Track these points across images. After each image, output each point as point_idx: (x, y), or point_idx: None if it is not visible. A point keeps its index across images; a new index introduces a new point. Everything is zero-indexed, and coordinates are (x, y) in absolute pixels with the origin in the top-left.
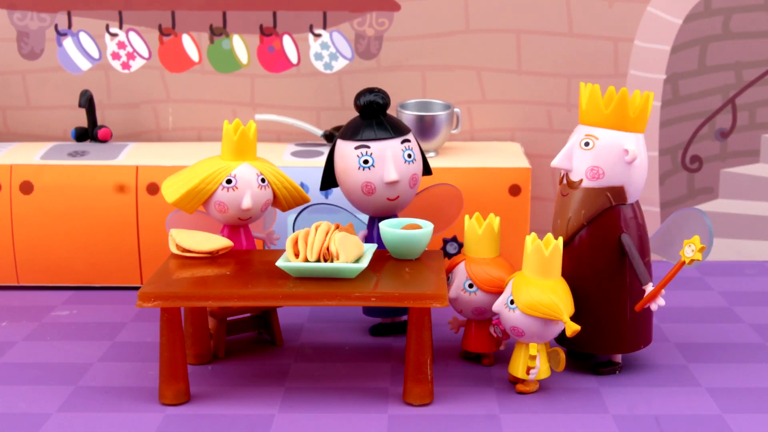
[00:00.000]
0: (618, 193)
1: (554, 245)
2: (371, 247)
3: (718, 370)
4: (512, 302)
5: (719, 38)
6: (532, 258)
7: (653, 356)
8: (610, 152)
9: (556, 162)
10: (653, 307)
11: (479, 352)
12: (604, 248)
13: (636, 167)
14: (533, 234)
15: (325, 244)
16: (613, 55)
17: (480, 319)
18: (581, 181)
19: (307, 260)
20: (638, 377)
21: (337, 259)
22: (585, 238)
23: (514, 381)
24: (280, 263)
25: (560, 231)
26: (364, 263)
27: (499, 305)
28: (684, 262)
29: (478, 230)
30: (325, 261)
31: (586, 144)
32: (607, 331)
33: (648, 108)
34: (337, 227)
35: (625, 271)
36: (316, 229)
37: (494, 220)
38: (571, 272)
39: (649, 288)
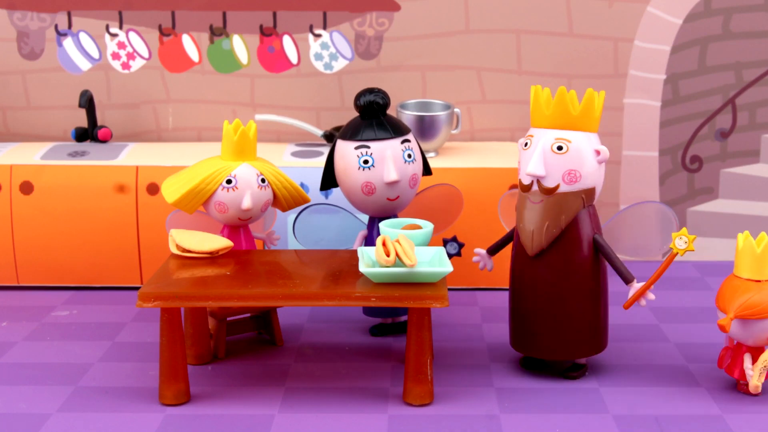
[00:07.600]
0: (590, 194)
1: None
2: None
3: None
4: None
5: (719, 38)
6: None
7: (653, 356)
8: (584, 154)
9: (533, 170)
10: (642, 302)
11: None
12: (576, 251)
13: (602, 167)
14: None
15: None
16: (613, 55)
17: None
18: (558, 186)
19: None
20: (638, 377)
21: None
22: (556, 243)
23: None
24: (363, 269)
25: (537, 240)
26: (446, 267)
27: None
28: (675, 254)
29: (756, 249)
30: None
31: (559, 148)
32: (584, 333)
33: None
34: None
35: (598, 271)
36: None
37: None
38: (545, 280)
39: (635, 285)
